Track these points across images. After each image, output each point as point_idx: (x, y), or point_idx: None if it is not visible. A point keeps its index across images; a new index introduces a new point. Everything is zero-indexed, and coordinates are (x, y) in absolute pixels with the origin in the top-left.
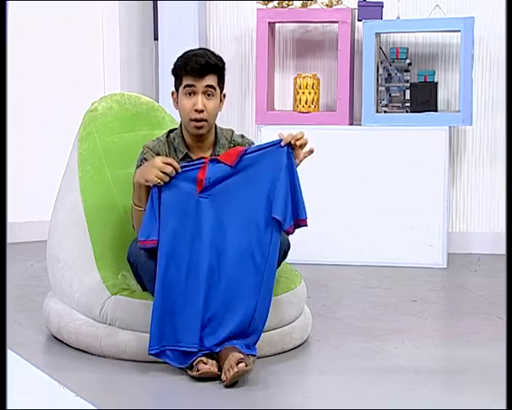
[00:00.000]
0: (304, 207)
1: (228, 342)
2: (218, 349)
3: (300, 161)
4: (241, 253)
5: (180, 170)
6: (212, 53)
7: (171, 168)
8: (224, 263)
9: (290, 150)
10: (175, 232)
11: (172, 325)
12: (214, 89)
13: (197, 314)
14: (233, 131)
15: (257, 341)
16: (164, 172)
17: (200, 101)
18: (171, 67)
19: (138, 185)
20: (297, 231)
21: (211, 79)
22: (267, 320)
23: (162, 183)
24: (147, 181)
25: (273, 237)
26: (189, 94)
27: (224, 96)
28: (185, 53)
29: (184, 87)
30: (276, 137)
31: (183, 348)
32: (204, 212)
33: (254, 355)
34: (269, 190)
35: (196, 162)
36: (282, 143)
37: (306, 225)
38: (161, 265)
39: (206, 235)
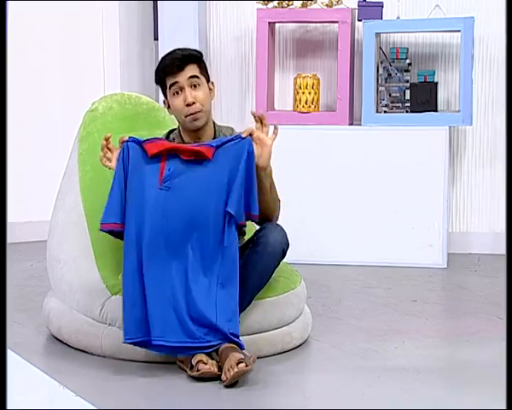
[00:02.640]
0: (256, 203)
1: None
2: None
3: (270, 149)
4: (199, 245)
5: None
6: (187, 48)
7: (104, 143)
8: (182, 255)
9: (251, 143)
10: (136, 222)
11: (147, 317)
12: (198, 78)
13: (173, 308)
14: (232, 129)
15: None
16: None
17: (188, 94)
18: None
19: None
20: (297, 231)
21: (192, 69)
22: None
23: (109, 163)
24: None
25: (228, 231)
26: (177, 93)
27: (213, 84)
28: (161, 58)
29: (170, 87)
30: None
31: (171, 344)
32: (163, 204)
33: (242, 347)
34: (227, 184)
35: (156, 139)
36: (243, 135)
37: (257, 220)
38: (126, 253)
39: (164, 227)
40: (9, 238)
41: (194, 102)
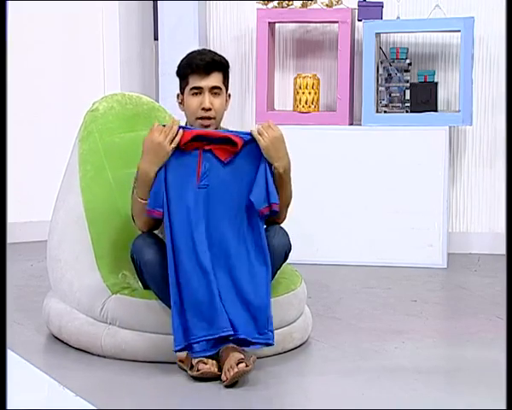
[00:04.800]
0: (275, 192)
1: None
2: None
3: (269, 142)
4: (237, 239)
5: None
6: (216, 52)
7: (171, 128)
8: (224, 251)
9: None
10: (179, 222)
11: (197, 316)
12: (220, 89)
13: (216, 300)
14: None
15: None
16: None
17: (207, 99)
18: (173, 68)
19: (145, 175)
20: (297, 231)
21: (216, 78)
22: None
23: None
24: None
25: (253, 221)
26: (195, 94)
27: (229, 96)
28: (189, 53)
29: (191, 89)
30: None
31: (217, 336)
32: (203, 203)
33: (269, 343)
34: (251, 181)
35: (193, 128)
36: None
37: (277, 210)
38: (171, 259)
39: (205, 224)
40: (9, 238)
41: (210, 109)
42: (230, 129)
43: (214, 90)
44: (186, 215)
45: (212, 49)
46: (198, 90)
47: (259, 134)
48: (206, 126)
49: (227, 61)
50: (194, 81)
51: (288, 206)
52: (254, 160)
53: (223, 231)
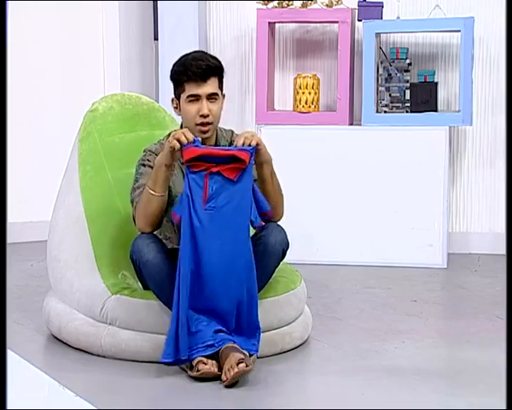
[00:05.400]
0: (264, 200)
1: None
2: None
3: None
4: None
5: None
6: (210, 55)
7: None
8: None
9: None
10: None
11: (189, 334)
12: (217, 95)
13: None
14: (232, 132)
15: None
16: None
17: (205, 106)
18: (170, 71)
19: (158, 166)
20: (297, 231)
21: (213, 85)
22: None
23: (178, 144)
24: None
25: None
26: (192, 101)
27: (224, 95)
28: (182, 57)
29: (187, 97)
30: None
31: (201, 353)
32: (209, 226)
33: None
34: (251, 197)
35: (200, 147)
36: (253, 143)
37: (270, 216)
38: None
39: (212, 247)
40: (9, 238)
41: (208, 115)
42: (225, 128)
43: (211, 97)
44: (190, 236)
45: (212, 49)
46: (195, 98)
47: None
48: (205, 132)
49: (222, 65)
50: (190, 89)
51: (282, 201)
52: (251, 173)
53: (232, 249)
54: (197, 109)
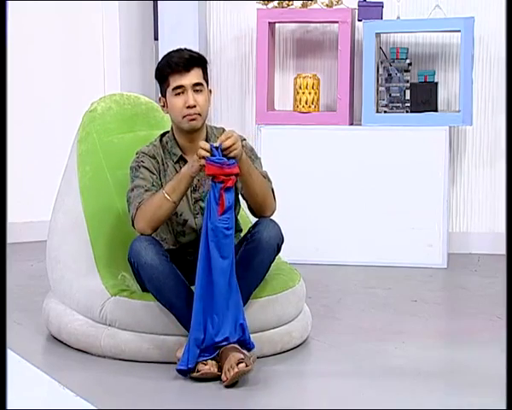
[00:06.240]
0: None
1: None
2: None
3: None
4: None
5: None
6: (192, 50)
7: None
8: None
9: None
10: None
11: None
12: (202, 85)
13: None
14: (224, 129)
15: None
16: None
17: (190, 97)
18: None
19: (184, 176)
20: (297, 231)
21: (197, 74)
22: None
23: (203, 160)
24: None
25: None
26: (178, 94)
27: (210, 91)
28: (166, 55)
29: (173, 89)
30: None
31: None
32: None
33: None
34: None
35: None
36: (228, 143)
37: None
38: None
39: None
40: (9, 238)
41: (194, 106)
42: (216, 126)
43: (196, 87)
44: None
45: (212, 49)
46: (180, 90)
47: (230, 143)
48: (192, 121)
49: (205, 58)
50: (174, 80)
51: (270, 194)
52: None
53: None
54: (183, 101)
